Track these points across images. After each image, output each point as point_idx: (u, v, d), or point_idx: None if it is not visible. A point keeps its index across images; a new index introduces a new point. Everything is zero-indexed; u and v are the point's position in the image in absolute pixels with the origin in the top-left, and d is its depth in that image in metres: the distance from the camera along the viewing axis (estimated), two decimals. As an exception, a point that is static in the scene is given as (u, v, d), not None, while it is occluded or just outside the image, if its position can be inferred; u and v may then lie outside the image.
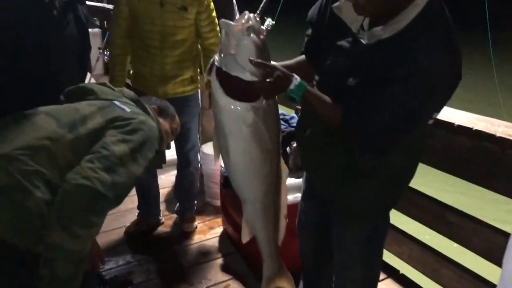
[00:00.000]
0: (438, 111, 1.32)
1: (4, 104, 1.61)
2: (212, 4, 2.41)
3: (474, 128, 1.80)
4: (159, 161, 1.64)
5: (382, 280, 2.29)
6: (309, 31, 1.51)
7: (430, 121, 1.34)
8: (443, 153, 1.96)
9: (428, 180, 2.80)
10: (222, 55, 1.22)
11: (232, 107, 1.25)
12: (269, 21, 2.54)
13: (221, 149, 1.35)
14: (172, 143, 2.72)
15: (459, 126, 1.85)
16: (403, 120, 1.23)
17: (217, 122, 1.32)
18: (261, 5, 2.84)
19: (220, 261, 2.52)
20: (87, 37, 1.98)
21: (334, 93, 1.31)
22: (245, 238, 1.49)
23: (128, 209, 2.92)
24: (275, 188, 1.43)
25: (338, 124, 1.29)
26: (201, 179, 3.01)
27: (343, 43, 1.32)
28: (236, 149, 1.31)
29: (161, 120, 1.72)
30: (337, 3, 1.31)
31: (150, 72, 2.40)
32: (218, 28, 2.43)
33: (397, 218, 2.31)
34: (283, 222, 1.50)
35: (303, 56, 1.55)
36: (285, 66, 1.37)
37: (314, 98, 1.30)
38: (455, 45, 1.21)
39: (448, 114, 1.92)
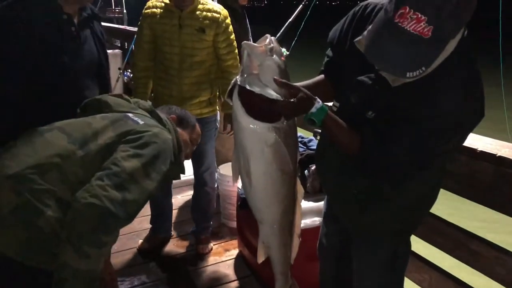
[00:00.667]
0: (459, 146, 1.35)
1: (25, 119, 1.63)
2: (231, 27, 2.44)
3: (498, 154, 1.77)
4: (177, 172, 1.61)
5: (402, 308, 2.23)
6: (329, 52, 1.52)
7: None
8: (465, 179, 1.92)
9: (450, 207, 2.74)
10: (245, 75, 1.23)
11: (254, 127, 1.25)
12: (283, 51, 2.57)
13: (241, 171, 1.35)
14: (189, 163, 2.75)
15: (482, 152, 1.82)
16: (421, 157, 1.26)
17: (237, 143, 1.32)
18: (278, 34, 2.89)
19: (235, 284, 2.48)
20: (105, 54, 2.01)
21: (352, 122, 1.31)
22: (260, 259, 1.50)
23: (144, 229, 2.93)
24: (291, 208, 1.43)
25: (354, 152, 1.31)
26: (217, 200, 3.01)
27: (365, 79, 1.32)
28: (257, 170, 1.31)
29: (180, 130, 1.69)
30: (359, 37, 1.22)
31: (168, 93, 2.44)
32: (236, 51, 2.46)
33: (417, 245, 2.26)
34: (296, 241, 1.51)
35: (321, 77, 1.54)
36: (304, 87, 1.39)
37: (334, 124, 1.30)
38: (477, 85, 1.22)
39: (471, 139, 1.89)
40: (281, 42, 2.68)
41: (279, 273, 1.53)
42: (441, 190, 2.03)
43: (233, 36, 2.47)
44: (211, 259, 2.71)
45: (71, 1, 1.75)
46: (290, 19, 2.90)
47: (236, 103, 1.26)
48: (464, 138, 1.28)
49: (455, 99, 1.18)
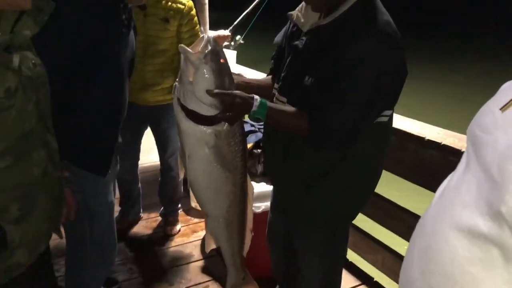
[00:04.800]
0: (390, 107, 1.38)
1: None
2: (196, 18, 2.46)
3: (443, 143, 1.84)
4: None
5: (356, 286, 2.34)
6: (275, 52, 1.57)
7: (385, 119, 1.39)
8: (414, 166, 2.00)
9: (403, 192, 2.85)
10: (182, 83, 1.23)
11: (194, 130, 1.26)
12: (238, 38, 2.59)
13: (185, 166, 1.37)
14: (155, 149, 2.78)
15: (429, 141, 1.90)
16: (356, 110, 1.29)
17: (181, 142, 1.35)
18: (234, 24, 2.90)
19: (201, 263, 2.57)
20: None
21: (295, 96, 1.36)
22: (208, 248, 1.52)
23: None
24: (238, 204, 1.44)
25: (305, 132, 1.32)
26: (186, 184, 3.05)
27: (296, 42, 1.39)
28: (197, 169, 1.33)
29: None
30: (292, 12, 1.45)
31: (131, 80, 2.44)
32: None
33: (373, 228, 2.36)
34: (248, 235, 1.52)
35: (268, 78, 1.62)
36: (248, 85, 1.45)
37: (278, 113, 1.35)
38: (390, 36, 1.27)
39: (419, 128, 1.96)
40: (237, 29, 2.70)
41: (229, 265, 1.56)
42: (393, 176, 2.11)
43: (197, 27, 2.48)
44: (178, 240, 2.79)
45: None
46: (245, 12, 2.90)
47: (176, 107, 1.27)
48: (391, 91, 1.33)
49: (366, 46, 1.24)
